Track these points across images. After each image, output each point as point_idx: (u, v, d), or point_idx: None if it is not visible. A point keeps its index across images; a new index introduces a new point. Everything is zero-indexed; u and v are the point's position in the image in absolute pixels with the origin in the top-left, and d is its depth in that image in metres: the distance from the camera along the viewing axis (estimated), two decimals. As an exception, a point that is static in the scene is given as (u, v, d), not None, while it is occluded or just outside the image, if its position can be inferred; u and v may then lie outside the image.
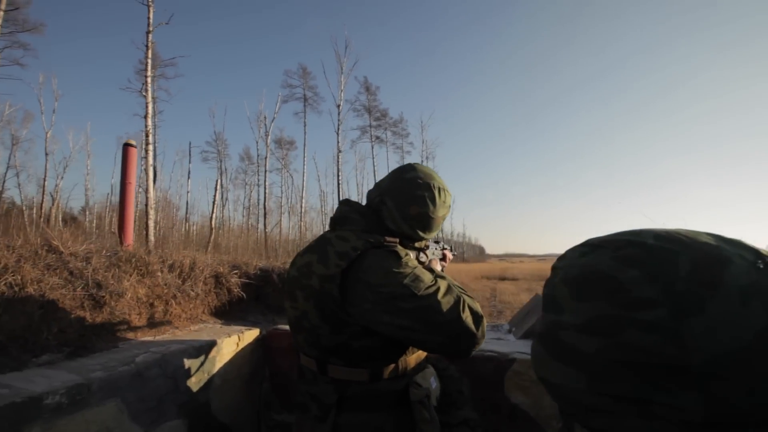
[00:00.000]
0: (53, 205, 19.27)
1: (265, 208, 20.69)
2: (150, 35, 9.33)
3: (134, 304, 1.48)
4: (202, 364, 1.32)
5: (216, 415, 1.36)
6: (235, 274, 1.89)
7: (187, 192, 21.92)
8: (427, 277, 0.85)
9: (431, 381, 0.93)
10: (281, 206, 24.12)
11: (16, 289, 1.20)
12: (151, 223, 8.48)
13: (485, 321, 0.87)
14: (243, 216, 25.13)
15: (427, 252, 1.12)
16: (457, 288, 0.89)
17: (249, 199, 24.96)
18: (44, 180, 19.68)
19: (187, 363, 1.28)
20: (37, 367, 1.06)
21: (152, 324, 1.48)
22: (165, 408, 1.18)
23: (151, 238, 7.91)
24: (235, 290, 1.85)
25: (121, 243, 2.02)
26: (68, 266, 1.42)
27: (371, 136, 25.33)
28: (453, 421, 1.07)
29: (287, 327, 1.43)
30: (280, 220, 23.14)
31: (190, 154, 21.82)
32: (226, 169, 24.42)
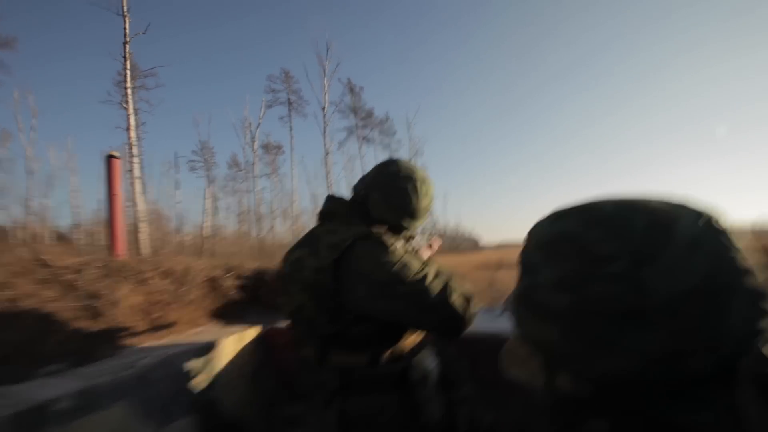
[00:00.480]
0: (40, 224, 18.89)
1: (257, 213, 20.55)
2: (127, 46, 9.17)
3: (131, 312, 1.49)
4: (205, 364, 1.34)
5: (224, 413, 1.39)
6: (230, 276, 1.90)
7: (177, 203, 21.66)
8: (416, 263, 0.88)
9: (429, 362, 0.97)
10: (273, 211, 23.97)
11: (12, 304, 1.21)
12: (142, 236, 8.38)
13: (474, 301, 0.91)
14: (236, 223, 24.93)
15: (414, 241, 1.15)
16: (446, 272, 0.92)
17: (240, 206, 24.76)
18: (27, 200, 19.27)
19: (190, 364, 1.29)
20: (44, 377, 1.08)
21: (151, 330, 1.50)
22: (172, 408, 1.20)
23: (144, 251, 7.82)
24: (231, 292, 1.86)
25: (113, 254, 2.02)
26: (61, 279, 1.42)
27: (358, 136, 25.29)
28: (454, 400, 1.11)
29: (286, 323, 1.45)
30: (273, 224, 23.00)
31: (176, 165, 21.53)
32: (215, 178, 24.18)
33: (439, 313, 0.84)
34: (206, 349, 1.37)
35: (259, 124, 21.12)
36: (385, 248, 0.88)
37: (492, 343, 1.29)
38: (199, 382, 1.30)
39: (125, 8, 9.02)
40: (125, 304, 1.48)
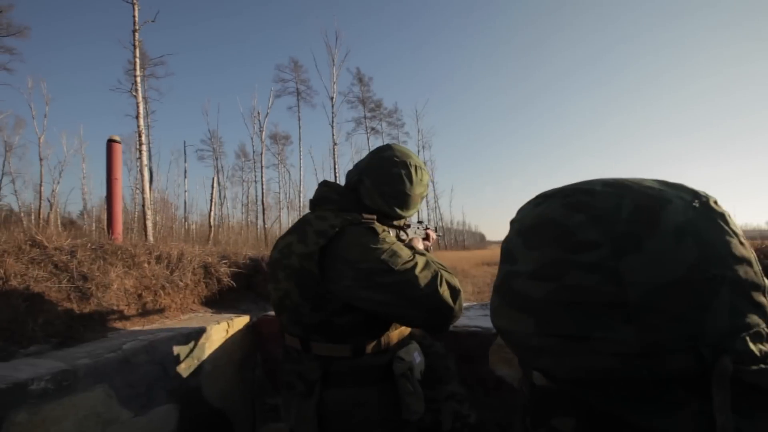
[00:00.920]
0: (51, 210, 19.27)
1: (263, 204, 20.67)
2: (137, 34, 9.20)
3: (122, 295, 1.48)
4: (191, 350, 1.33)
5: (208, 401, 1.38)
6: (225, 263, 1.89)
7: (185, 191, 21.89)
8: (405, 252, 0.85)
9: (415, 355, 0.94)
10: (279, 202, 24.11)
11: (0, 282, 1.20)
12: (149, 224, 8.48)
13: (463, 295, 0.89)
14: (242, 213, 25.15)
15: (408, 231, 1.12)
16: (436, 264, 0.89)
17: (247, 196, 24.95)
18: (40, 185, 19.64)
19: (176, 349, 1.28)
20: (24, 357, 1.07)
21: (141, 314, 1.49)
22: (154, 393, 1.19)
23: (150, 238, 7.92)
24: (225, 279, 1.85)
25: (110, 237, 2.02)
26: (53, 260, 1.41)
27: (366, 127, 25.20)
28: (440, 396, 1.08)
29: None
30: (279, 215, 23.16)
31: (185, 153, 21.73)
32: (222, 167, 24.35)
33: (426, 303, 0.82)
34: (194, 335, 1.36)
35: (267, 113, 21.20)
36: (374, 236, 0.86)
37: (480, 339, 1.27)
38: (184, 369, 1.29)
39: (134, -5, 9.03)
40: (116, 287, 1.47)
